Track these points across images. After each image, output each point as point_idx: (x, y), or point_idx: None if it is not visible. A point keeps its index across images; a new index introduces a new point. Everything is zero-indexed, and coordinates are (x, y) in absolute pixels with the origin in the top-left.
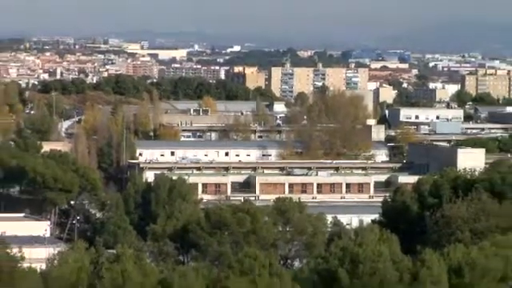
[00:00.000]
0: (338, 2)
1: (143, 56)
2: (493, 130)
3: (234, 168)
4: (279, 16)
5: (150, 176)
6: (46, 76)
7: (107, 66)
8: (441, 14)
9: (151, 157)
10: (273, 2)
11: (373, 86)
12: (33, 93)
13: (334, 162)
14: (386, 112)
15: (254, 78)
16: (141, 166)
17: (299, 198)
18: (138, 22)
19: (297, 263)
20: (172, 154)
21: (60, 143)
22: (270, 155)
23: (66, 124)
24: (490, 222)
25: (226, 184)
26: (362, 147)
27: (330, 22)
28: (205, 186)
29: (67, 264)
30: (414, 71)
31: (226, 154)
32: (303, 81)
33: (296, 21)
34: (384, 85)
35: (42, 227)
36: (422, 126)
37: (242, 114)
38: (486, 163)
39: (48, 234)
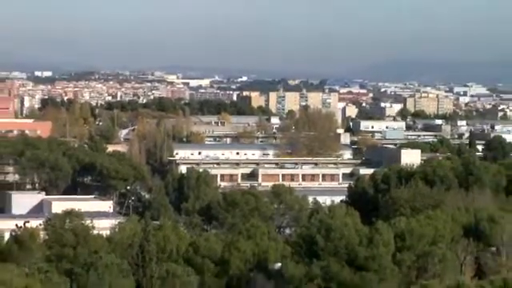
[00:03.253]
0: (317, 49)
1: (178, 84)
2: (426, 137)
3: (242, 163)
4: (276, 57)
5: (183, 169)
6: (109, 98)
7: (153, 91)
8: (390, 55)
9: (184, 155)
10: (271, 49)
11: (341, 105)
12: (100, 110)
13: (314, 159)
14: (351, 123)
15: (257, 99)
16: (177, 162)
17: (289, 185)
18: (175, 59)
19: (287, 231)
20: (199, 153)
21: (119, 145)
22: (268, 154)
23: (123, 132)
24: (423, 201)
25: (237, 174)
26: (333, 149)
27: (311, 61)
28: (222, 176)
29: (125, 231)
30: (370, 95)
31: (237, 153)
32: (292, 101)
33: (287, 60)
34: (349, 104)
35: (106, 205)
36: (376, 134)
37: (248, 125)
38: (421, 160)
39: (111, 210)
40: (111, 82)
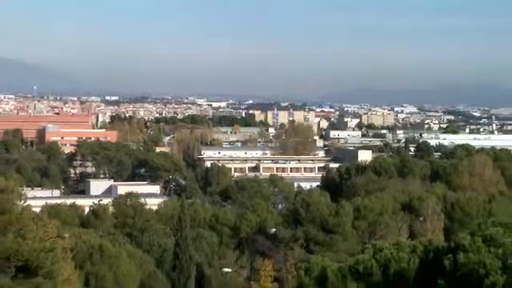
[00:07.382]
0: (301, 82)
1: (204, 105)
2: (375, 142)
3: (249, 160)
4: (273, 86)
5: (208, 164)
6: (157, 115)
7: (187, 110)
8: (351, 85)
9: (208, 154)
10: (270, 80)
11: (317, 120)
12: (151, 123)
13: (298, 157)
14: (323, 133)
15: (259, 116)
16: (203, 159)
17: (281, 175)
18: (203, 88)
19: (280, 206)
20: (219, 153)
21: (164, 148)
22: (267, 153)
23: (167, 138)
24: (373, 186)
25: (245, 167)
26: (311, 150)
27: (297, 89)
28: (235, 168)
29: (168, 206)
30: (337, 113)
31: (245, 153)
32: (283, 117)
33: (280, 88)
34: (322, 119)
35: (155, 189)
36: (340, 139)
37: (253, 133)
38: (372, 157)
39: (158, 192)
40: (158, 104)
